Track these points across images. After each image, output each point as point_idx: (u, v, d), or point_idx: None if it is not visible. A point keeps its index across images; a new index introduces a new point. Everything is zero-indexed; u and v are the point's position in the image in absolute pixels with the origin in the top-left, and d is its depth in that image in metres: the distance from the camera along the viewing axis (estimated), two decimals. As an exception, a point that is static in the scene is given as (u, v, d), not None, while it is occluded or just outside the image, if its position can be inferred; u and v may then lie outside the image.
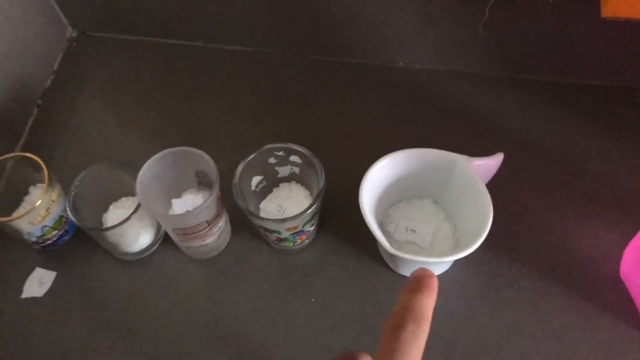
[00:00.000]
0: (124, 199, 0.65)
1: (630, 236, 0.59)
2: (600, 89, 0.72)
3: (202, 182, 0.62)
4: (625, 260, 0.60)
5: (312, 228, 0.61)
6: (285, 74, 0.78)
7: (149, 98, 0.77)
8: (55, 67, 0.80)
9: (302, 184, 0.63)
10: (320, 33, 0.75)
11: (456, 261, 0.61)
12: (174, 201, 0.61)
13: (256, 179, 0.61)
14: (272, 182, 0.63)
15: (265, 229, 0.57)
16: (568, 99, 0.72)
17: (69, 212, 0.59)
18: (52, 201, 0.60)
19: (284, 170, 0.61)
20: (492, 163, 0.57)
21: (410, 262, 0.58)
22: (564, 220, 0.64)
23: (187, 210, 0.55)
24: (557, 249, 0.62)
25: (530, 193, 0.66)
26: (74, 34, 0.83)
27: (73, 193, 0.59)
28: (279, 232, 0.57)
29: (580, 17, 0.65)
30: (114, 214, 0.64)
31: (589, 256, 0.62)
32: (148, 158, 0.57)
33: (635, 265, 0.58)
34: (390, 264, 0.62)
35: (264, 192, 0.63)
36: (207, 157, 0.56)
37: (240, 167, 0.57)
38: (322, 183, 0.56)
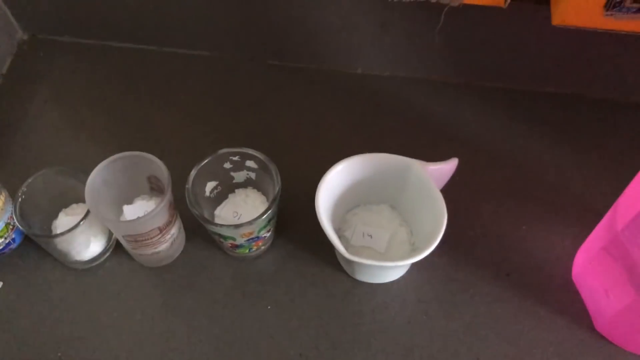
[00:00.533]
0: (74, 205, 0.63)
1: (581, 240, 0.61)
2: (552, 96, 0.74)
3: (155, 188, 0.60)
4: (577, 263, 0.61)
5: (269, 234, 0.60)
6: (243, 79, 0.77)
7: (102, 102, 0.75)
8: (4, 70, 0.78)
9: (258, 190, 0.62)
10: (278, 38, 0.75)
11: (412, 266, 0.61)
12: (126, 207, 0.59)
13: (211, 185, 0.60)
14: (227, 188, 0.62)
15: (220, 236, 0.56)
16: (522, 105, 0.74)
17: (16, 220, 0.57)
18: (-2, 208, 0.58)
19: (239, 176, 0.61)
20: (446, 168, 0.57)
21: (367, 267, 0.57)
22: (518, 225, 0.65)
23: (138, 217, 0.53)
24: (511, 253, 0.63)
25: (485, 199, 0.67)
26: (25, 37, 0.81)
27: (20, 199, 0.57)
28: (233, 239, 0.56)
29: (533, 25, 0.66)
30: (64, 221, 0.62)
31: (542, 260, 0.62)
32: (98, 164, 0.56)
33: (586, 269, 0.59)
34: (347, 270, 0.61)
35: (219, 198, 0.62)
36: (158, 161, 0.55)
37: (193, 172, 0.56)
38: (277, 188, 0.56)
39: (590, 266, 0.58)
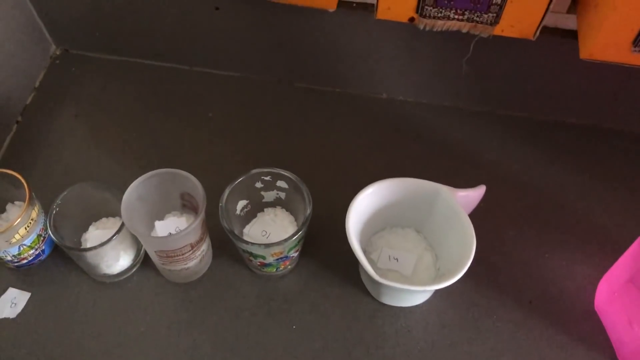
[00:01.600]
0: (104, 219, 0.64)
1: (604, 270, 0.61)
2: (574, 127, 0.75)
3: (186, 205, 0.61)
4: (600, 293, 0.62)
5: (296, 254, 0.61)
6: (270, 101, 0.78)
7: (132, 119, 0.76)
8: (37, 84, 0.79)
9: (287, 210, 0.63)
10: (306, 62, 0.77)
11: (436, 291, 0.62)
12: (157, 223, 0.60)
13: (242, 203, 0.61)
14: (256, 207, 0.63)
15: (250, 254, 0.57)
16: (544, 135, 0.75)
17: (50, 232, 0.58)
18: (32, 219, 0.59)
19: (269, 195, 0.62)
20: (474, 195, 0.58)
21: (393, 290, 0.58)
22: (540, 252, 0.66)
23: (170, 233, 0.54)
24: (533, 280, 0.64)
25: (508, 225, 0.68)
26: (58, 52, 0.83)
27: (54, 212, 0.58)
28: (263, 257, 0.57)
29: (560, 57, 0.68)
30: (94, 235, 0.63)
31: (565, 288, 0.63)
32: (128, 179, 0.57)
33: (608, 299, 0.60)
34: (372, 292, 0.62)
35: (248, 216, 0.63)
36: (194, 179, 0.56)
37: (227, 191, 0.57)
38: (309, 208, 0.57)
39: (614, 297, 0.58)
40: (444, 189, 0.58)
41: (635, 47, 0.59)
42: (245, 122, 0.76)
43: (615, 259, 0.59)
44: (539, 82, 0.71)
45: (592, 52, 0.61)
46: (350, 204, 0.57)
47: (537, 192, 0.70)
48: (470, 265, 0.54)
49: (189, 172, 0.57)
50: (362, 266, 0.55)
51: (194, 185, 0.56)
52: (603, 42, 0.60)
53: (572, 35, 0.64)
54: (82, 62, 0.82)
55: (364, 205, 0.59)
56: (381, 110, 0.77)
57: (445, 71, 0.73)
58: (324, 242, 0.66)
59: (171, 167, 0.58)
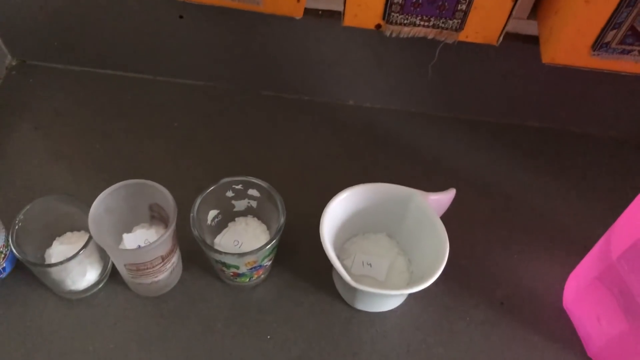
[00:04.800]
0: (69, 233, 0.62)
1: (571, 268, 0.63)
2: (539, 130, 0.77)
3: (155, 216, 0.60)
4: (568, 291, 0.63)
5: (269, 263, 0.60)
6: (237, 110, 0.78)
7: (94, 130, 0.74)
8: (-8, 96, 0.77)
9: (259, 218, 0.62)
10: (272, 70, 0.76)
11: (409, 295, 0.62)
12: (125, 236, 0.59)
13: (212, 213, 0.60)
14: (227, 216, 0.62)
15: (223, 264, 0.56)
16: (510, 138, 0.77)
17: (12, 248, 0.55)
18: (-8, 236, 0.57)
19: (240, 204, 0.61)
20: (445, 198, 0.59)
21: (368, 295, 0.58)
22: (509, 253, 0.67)
23: (140, 245, 0.53)
24: (504, 281, 0.65)
25: (476, 228, 0.69)
26: (14, 63, 0.80)
27: (17, 227, 0.56)
28: (237, 267, 0.56)
29: (522, 62, 0.69)
30: (59, 250, 0.60)
31: (535, 288, 0.64)
32: (92, 192, 0.55)
33: (576, 297, 0.61)
34: (346, 299, 0.62)
35: (220, 226, 0.62)
36: (164, 190, 0.55)
37: (198, 200, 0.56)
38: (283, 217, 0.56)
39: (582, 294, 0.60)
40: (416, 193, 0.58)
41: (594, 51, 0.61)
42: (211, 132, 0.75)
43: (582, 257, 0.61)
44: (503, 86, 0.73)
45: (553, 56, 0.63)
46: (324, 210, 0.57)
47: (503, 194, 0.72)
48: (444, 270, 0.55)
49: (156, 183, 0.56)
50: (336, 273, 0.54)
51: (164, 196, 0.55)
52: (564, 47, 0.62)
53: (533, 40, 0.66)
54: (40, 73, 0.80)
55: (338, 211, 0.59)
56: (349, 117, 0.78)
57: (411, 77, 0.74)
58: (296, 250, 0.65)
59: (136, 178, 0.56)
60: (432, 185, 0.62)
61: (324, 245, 0.54)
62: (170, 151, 0.73)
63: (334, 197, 0.57)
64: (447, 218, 0.61)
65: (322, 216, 0.56)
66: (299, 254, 0.65)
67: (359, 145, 0.75)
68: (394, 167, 0.73)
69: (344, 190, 0.58)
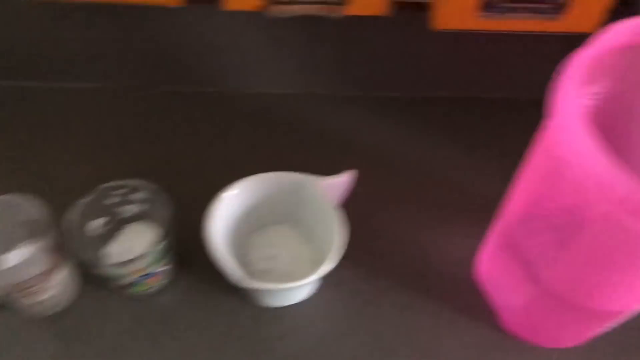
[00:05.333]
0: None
1: (482, 239, 0.61)
2: (446, 100, 0.75)
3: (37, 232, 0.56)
4: (479, 263, 0.61)
5: (166, 268, 0.57)
6: (134, 109, 0.74)
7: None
8: None
9: (152, 222, 0.59)
10: (167, 63, 0.73)
11: (322, 284, 0.60)
12: (2, 257, 0.55)
13: (96, 223, 0.56)
14: (116, 224, 0.58)
15: (108, 277, 0.53)
16: (417, 111, 0.74)
17: None
18: None
19: (127, 210, 0.57)
20: (339, 181, 0.56)
21: (269, 291, 0.55)
22: (420, 230, 0.65)
23: (12, 265, 0.49)
24: (416, 259, 0.63)
25: (386, 207, 0.66)
26: None
27: None
28: (123, 277, 0.53)
29: (419, 31, 0.67)
30: None
31: (447, 262, 0.63)
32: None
33: (488, 268, 0.59)
34: (252, 297, 0.59)
35: (107, 236, 0.58)
36: (34, 201, 0.51)
37: (73, 212, 0.53)
38: (167, 219, 0.53)
39: (491, 265, 0.58)
40: (308, 179, 0.56)
41: (482, 12, 0.60)
42: (107, 135, 0.71)
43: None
44: (403, 59, 0.71)
45: (445, 22, 0.61)
46: (212, 207, 0.54)
47: (413, 169, 0.70)
48: (351, 254, 0.53)
49: (48, 195, 0.53)
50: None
51: (35, 208, 0.51)
52: (453, 11, 0.60)
53: (426, 8, 0.63)
54: None
55: (232, 206, 0.56)
56: (248, 106, 0.74)
57: (310, 58, 0.71)
58: (201, 252, 0.62)
59: (25, 192, 0.53)
60: (340, 168, 0.59)
61: (207, 244, 0.51)
62: (64, 159, 0.69)
63: (221, 193, 0.54)
64: (357, 200, 0.59)
65: (208, 214, 0.53)
66: (203, 256, 0.62)
67: (263, 133, 0.72)
68: (301, 152, 0.70)
69: (232, 185, 0.55)
